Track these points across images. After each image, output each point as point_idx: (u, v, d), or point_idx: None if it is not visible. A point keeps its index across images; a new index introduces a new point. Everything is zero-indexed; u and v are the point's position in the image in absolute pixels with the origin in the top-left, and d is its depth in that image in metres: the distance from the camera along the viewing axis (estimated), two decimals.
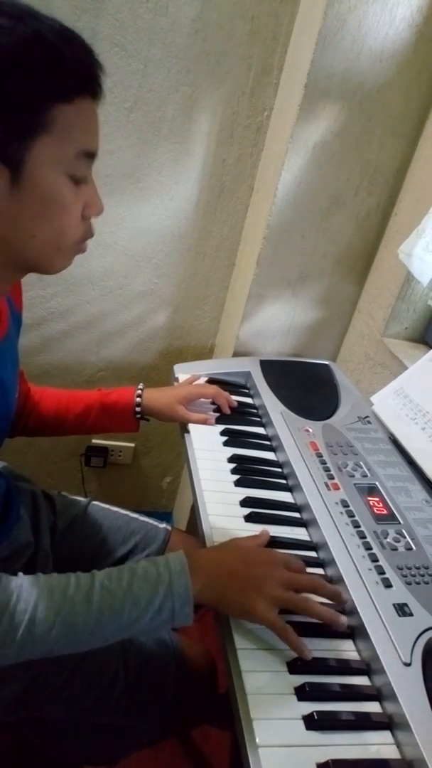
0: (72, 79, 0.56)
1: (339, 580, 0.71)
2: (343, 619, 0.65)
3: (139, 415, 1.01)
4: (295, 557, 0.70)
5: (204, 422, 1.01)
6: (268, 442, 1.02)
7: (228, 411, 1.05)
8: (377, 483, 0.87)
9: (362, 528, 0.78)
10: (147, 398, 1.00)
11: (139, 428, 1.03)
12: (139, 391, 1.01)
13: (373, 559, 0.73)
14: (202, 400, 1.06)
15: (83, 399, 0.99)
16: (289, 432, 0.98)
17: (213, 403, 1.07)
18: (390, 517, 0.81)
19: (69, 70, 0.55)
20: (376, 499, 0.84)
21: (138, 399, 1.00)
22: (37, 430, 0.99)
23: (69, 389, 1.01)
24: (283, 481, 0.92)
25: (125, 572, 0.62)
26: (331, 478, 0.87)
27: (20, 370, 0.94)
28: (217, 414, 1.05)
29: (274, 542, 0.77)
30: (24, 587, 0.58)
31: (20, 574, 0.60)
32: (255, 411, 1.11)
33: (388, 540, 0.76)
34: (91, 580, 0.61)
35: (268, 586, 0.64)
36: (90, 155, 0.61)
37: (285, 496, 0.89)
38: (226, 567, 0.66)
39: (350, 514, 0.80)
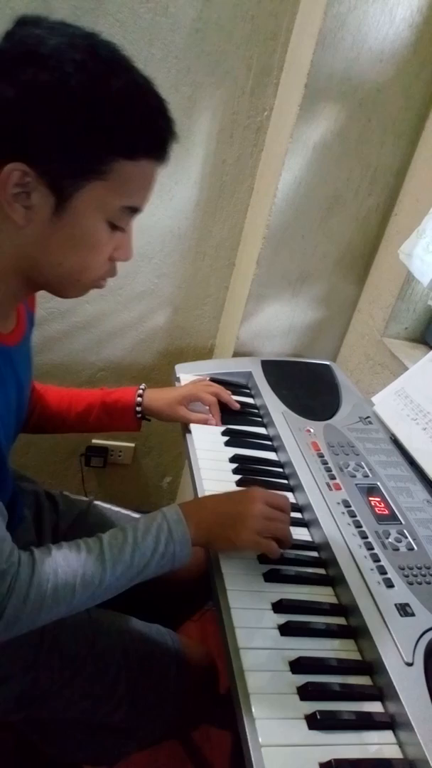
0: (142, 141, 0.59)
1: (341, 580, 0.71)
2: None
3: (139, 415, 1.01)
4: (278, 493, 0.78)
5: (205, 422, 1.01)
6: (269, 443, 1.02)
7: (218, 423, 1.03)
8: (378, 483, 0.87)
9: (364, 528, 0.78)
10: (148, 398, 1.00)
11: (140, 428, 1.03)
12: (141, 391, 1.01)
13: (375, 559, 0.73)
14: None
15: (85, 397, 0.99)
16: (291, 432, 0.98)
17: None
18: (391, 518, 0.81)
19: (142, 132, 0.58)
20: (378, 499, 0.84)
21: (139, 399, 1.00)
22: (40, 427, 0.99)
23: (71, 388, 1.01)
24: (285, 482, 0.92)
25: (129, 530, 0.68)
26: (333, 478, 0.87)
27: None
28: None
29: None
30: (41, 559, 0.62)
31: (33, 548, 0.63)
32: (256, 411, 1.11)
33: (389, 540, 0.77)
34: (100, 542, 0.66)
35: (249, 519, 0.71)
36: (135, 211, 0.64)
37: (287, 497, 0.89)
38: (212, 508, 0.74)
39: (352, 514, 0.80)
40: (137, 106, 0.57)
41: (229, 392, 1.07)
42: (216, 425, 1.02)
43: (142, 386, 1.02)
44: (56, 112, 0.54)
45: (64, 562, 0.62)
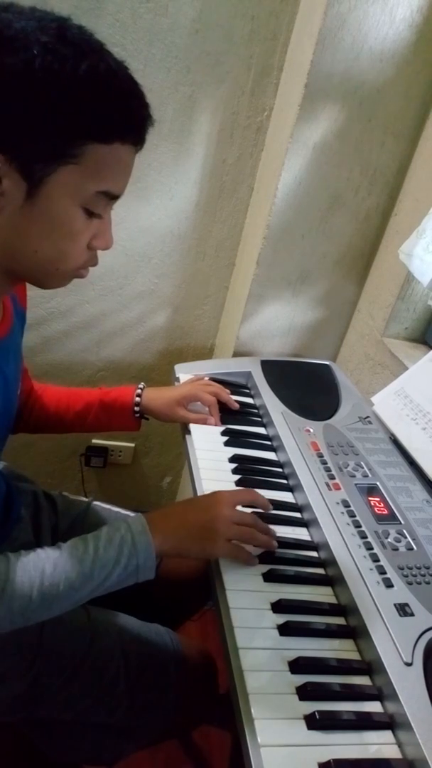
0: (115, 124, 0.57)
1: (340, 579, 0.71)
2: (274, 544, 0.75)
3: (138, 414, 1.01)
4: (241, 491, 0.79)
5: (204, 422, 1.01)
6: (269, 442, 1.01)
7: (218, 423, 1.02)
8: (378, 483, 0.87)
9: (363, 528, 0.78)
10: (146, 398, 1.00)
11: (139, 427, 1.03)
12: (139, 391, 1.00)
13: (374, 559, 0.73)
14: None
15: (84, 397, 0.99)
16: (290, 432, 0.98)
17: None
18: (391, 517, 0.81)
19: (113, 115, 0.57)
20: (377, 499, 0.84)
21: (137, 398, 1.00)
22: (38, 427, 0.99)
23: (70, 387, 1.01)
24: (284, 481, 0.92)
25: (90, 540, 0.66)
26: (332, 478, 0.87)
27: (24, 368, 0.94)
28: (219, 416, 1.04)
29: None
30: None
31: None
32: (256, 411, 1.11)
33: (389, 540, 0.76)
34: (60, 552, 0.64)
35: (218, 526, 0.70)
36: (112, 197, 0.62)
37: (286, 496, 0.89)
38: (179, 519, 0.72)
39: (351, 514, 0.80)
40: (107, 88, 0.55)
41: (228, 392, 1.07)
42: (215, 425, 1.02)
43: (141, 385, 1.02)
44: (23, 95, 0.53)
45: (21, 572, 0.61)
